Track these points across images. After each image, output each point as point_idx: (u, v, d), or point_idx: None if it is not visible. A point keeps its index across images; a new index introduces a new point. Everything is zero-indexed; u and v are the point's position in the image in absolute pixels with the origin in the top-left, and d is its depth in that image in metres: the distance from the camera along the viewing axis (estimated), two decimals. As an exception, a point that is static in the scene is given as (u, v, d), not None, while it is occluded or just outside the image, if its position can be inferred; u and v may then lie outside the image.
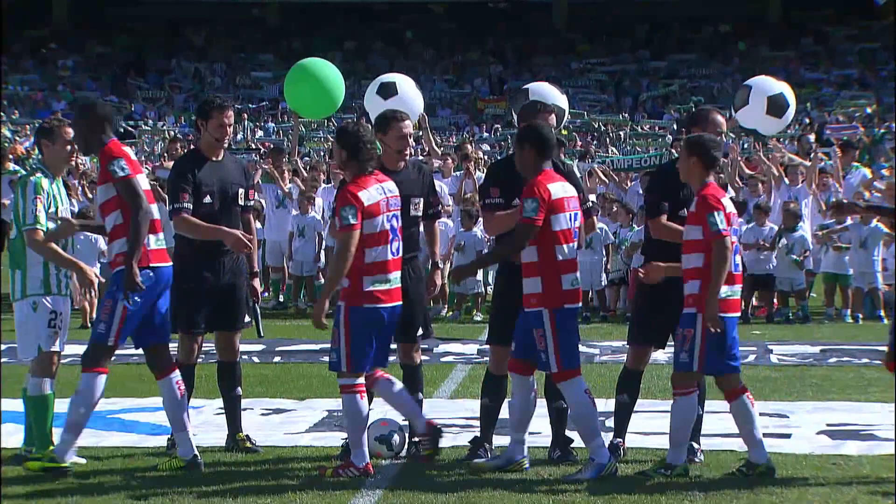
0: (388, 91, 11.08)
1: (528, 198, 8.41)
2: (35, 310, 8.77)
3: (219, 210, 9.21)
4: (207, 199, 9.18)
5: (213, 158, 9.32)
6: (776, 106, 10.85)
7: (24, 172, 21.26)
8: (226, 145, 9.43)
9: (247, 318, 9.60)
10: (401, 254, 8.69)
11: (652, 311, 8.95)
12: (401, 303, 8.66)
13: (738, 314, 8.56)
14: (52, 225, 8.78)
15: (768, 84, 11.09)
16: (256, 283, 9.70)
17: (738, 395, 8.57)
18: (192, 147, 9.74)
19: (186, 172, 9.23)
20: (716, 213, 8.29)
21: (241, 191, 9.40)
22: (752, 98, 10.86)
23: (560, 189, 8.53)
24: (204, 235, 9.16)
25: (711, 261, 8.28)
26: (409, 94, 11.28)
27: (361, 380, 8.53)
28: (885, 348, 14.18)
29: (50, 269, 8.81)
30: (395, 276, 8.59)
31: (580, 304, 8.70)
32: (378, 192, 8.52)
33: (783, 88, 11.00)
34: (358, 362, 8.50)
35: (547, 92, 10.20)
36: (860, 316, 17.88)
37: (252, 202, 9.71)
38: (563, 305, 8.48)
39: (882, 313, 17.86)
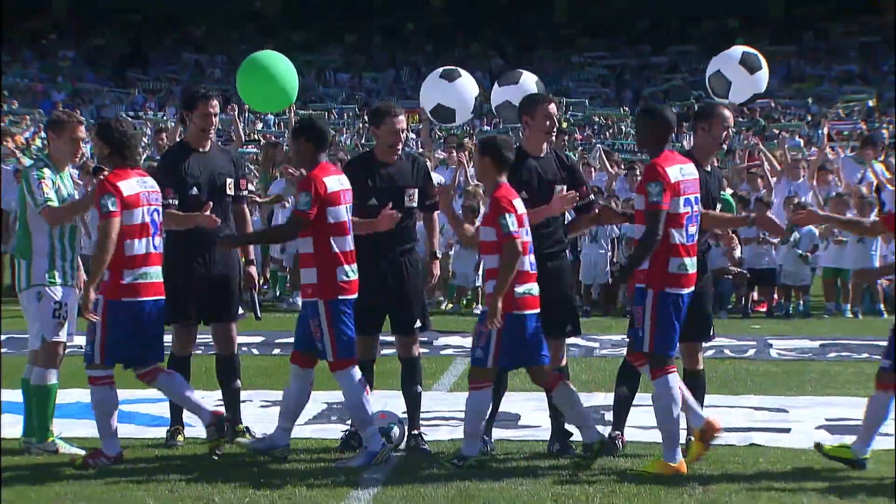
0: (451, 75, 10.89)
1: (302, 191, 8.56)
2: (40, 300, 8.79)
3: (206, 201, 9.16)
4: (194, 191, 9.16)
5: (200, 149, 9.29)
6: (750, 62, 10.95)
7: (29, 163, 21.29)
8: (212, 136, 9.40)
9: (241, 311, 9.61)
10: (162, 249, 8.70)
11: None
12: (164, 297, 8.64)
13: (537, 310, 8.57)
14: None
15: (727, 55, 11.24)
16: (252, 270, 9.68)
17: (557, 383, 8.66)
18: (180, 140, 9.68)
19: (170, 166, 9.24)
20: (507, 216, 8.38)
21: (229, 181, 9.36)
22: (727, 73, 10.92)
23: (336, 182, 8.62)
24: (183, 225, 9.13)
25: (501, 261, 8.38)
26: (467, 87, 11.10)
27: (111, 371, 8.57)
28: (885, 343, 14.24)
29: (55, 259, 8.83)
30: (157, 270, 8.63)
31: (356, 295, 8.68)
32: (139, 184, 8.57)
33: (743, 48, 11.21)
34: (112, 356, 8.53)
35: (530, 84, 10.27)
36: (859, 311, 17.88)
37: (245, 192, 9.66)
38: (338, 297, 8.54)
39: (882, 307, 17.86)
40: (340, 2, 52.47)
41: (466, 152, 19.55)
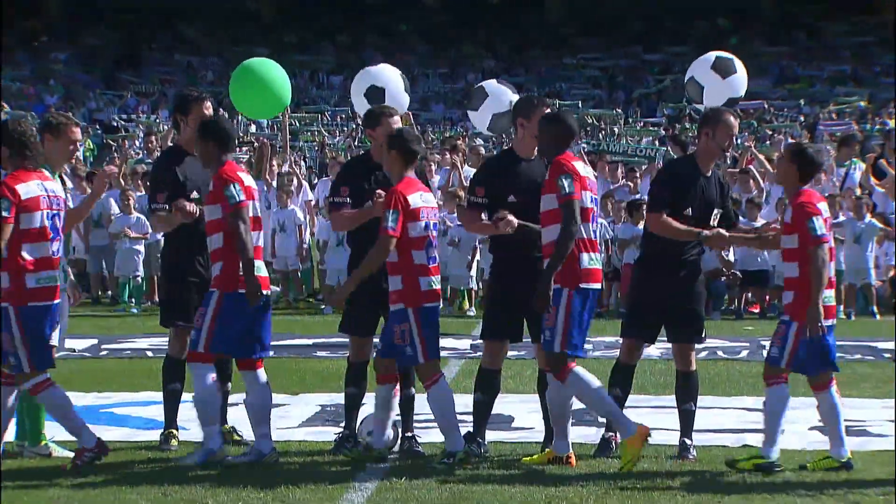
0: (376, 98, 11.03)
1: (388, 209, 8.56)
2: None
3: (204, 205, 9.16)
4: (195, 195, 9.14)
5: (195, 153, 9.28)
6: (724, 66, 11.01)
7: None
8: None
9: None
10: (62, 254, 8.66)
11: (645, 306, 8.95)
12: (59, 301, 8.60)
13: (437, 303, 8.75)
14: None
15: (701, 60, 11.31)
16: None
17: (435, 384, 8.72)
18: (172, 144, 9.64)
19: (165, 172, 9.21)
20: (389, 213, 8.45)
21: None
22: (700, 79, 10.99)
23: (248, 178, 8.66)
24: (172, 224, 9.13)
25: (372, 252, 8.53)
26: (397, 92, 11.25)
27: (47, 374, 8.54)
28: (878, 345, 14.26)
29: None
30: (57, 274, 8.56)
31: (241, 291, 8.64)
32: (38, 188, 8.47)
33: (718, 53, 11.24)
34: (41, 360, 8.46)
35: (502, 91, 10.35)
36: (853, 312, 17.90)
37: None
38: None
39: (875, 309, 17.88)
40: (334, 2, 52.46)
41: (460, 154, 19.56)
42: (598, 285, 8.61)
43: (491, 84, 10.69)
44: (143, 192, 18.08)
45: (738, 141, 31.78)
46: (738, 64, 11.26)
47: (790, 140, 32.82)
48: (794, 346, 8.50)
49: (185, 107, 9.28)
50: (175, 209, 8.95)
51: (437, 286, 8.74)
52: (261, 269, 8.70)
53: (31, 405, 8.86)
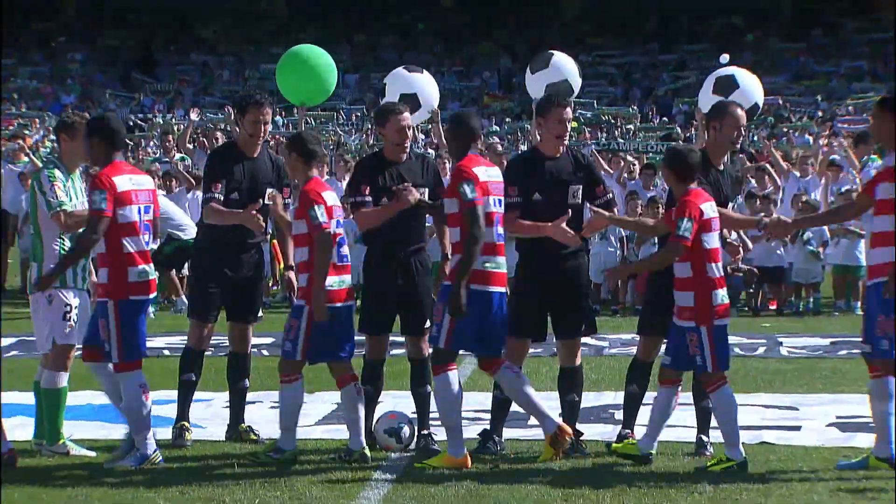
0: (411, 103, 11.04)
1: (95, 189, 8.49)
2: (50, 303, 8.80)
3: (243, 206, 9.24)
4: (235, 196, 9.26)
5: (250, 155, 9.36)
6: (722, 87, 10.99)
7: (39, 165, 21.31)
8: (261, 142, 9.43)
9: (260, 314, 9.71)
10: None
11: (662, 302, 8.93)
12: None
13: (349, 302, 8.74)
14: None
15: (704, 90, 11.30)
16: (291, 275, 9.75)
17: (347, 383, 8.75)
18: (229, 141, 9.85)
19: (217, 165, 9.35)
20: (316, 207, 8.50)
21: (269, 190, 9.44)
22: (705, 107, 11.00)
23: (128, 182, 8.57)
24: (227, 221, 9.24)
25: (315, 254, 8.49)
26: (428, 92, 11.28)
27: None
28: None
29: None
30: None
31: (150, 296, 8.68)
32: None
33: (718, 73, 11.20)
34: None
35: (567, 69, 10.34)
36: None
37: (288, 200, 9.82)
38: (129, 297, 8.53)
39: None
40: (349, 2, 52.49)
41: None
42: (497, 288, 8.56)
43: (559, 56, 10.65)
44: (163, 192, 18.13)
45: (755, 138, 31.75)
46: (741, 76, 11.18)
47: (807, 136, 32.78)
48: (711, 346, 8.47)
49: (243, 108, 9.41)
50: (249, 214, 9.05)
51: (348, 285, 8.72)
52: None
53: (50, 404, 8.88)
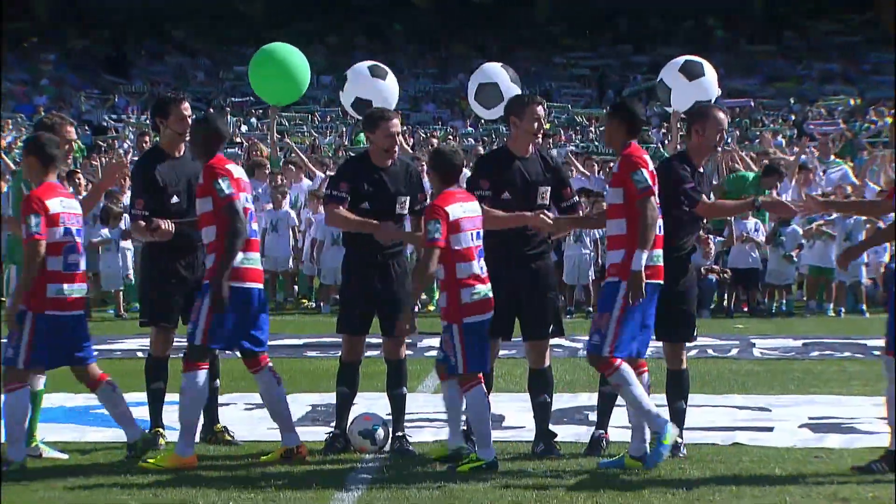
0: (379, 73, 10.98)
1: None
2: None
3: (187, 208, 9.19)
4: (175, 199, 9.17)
5: (175, 155, 9.29)
6: (691, 69, 11.03)
7: (12, 166, 21.22)
8: (186, 139, 9.36)
9: None
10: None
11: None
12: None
13: (80, 311, 8.74)
14: None
15: (671, 63, 11.34)
16: None
17: (99, 384, 8.79)
18: (152, 146, 9.69)
19: (144, 176, 9.21)
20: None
21: None
22: (668, 81, 11.03)
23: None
24: (144, 237, 9.23)
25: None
26: (385, 100, 11.27)
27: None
28: (867, 342, 14.32)
29: None
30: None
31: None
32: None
33: (688, 57, 11.25)
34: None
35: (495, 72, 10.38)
36: (843, 310, 17.94)
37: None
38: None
39: (864, 307, 17.92)
40: (323, 3, 52.42)
41: None
42: (252, 284, 8.65)
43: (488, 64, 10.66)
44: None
45: (728, 140, 31.80)
46: (708, 68, 11.29)
47: (780, 139, 32.91)
48: (462, 346, 8.54)
49: (165, 108, 9.30)
50: (150, 231, 8.99)
51: (77, 294, 8.68)
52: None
53: None
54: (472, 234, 8.55)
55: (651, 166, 8.48)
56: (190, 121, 9.29)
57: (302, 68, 10.81)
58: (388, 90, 11.39)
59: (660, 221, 8.45)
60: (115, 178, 9.00)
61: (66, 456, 8.89)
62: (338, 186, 9.11)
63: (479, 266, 8.55)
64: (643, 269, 8.30)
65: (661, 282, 8.50)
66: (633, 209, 8.35)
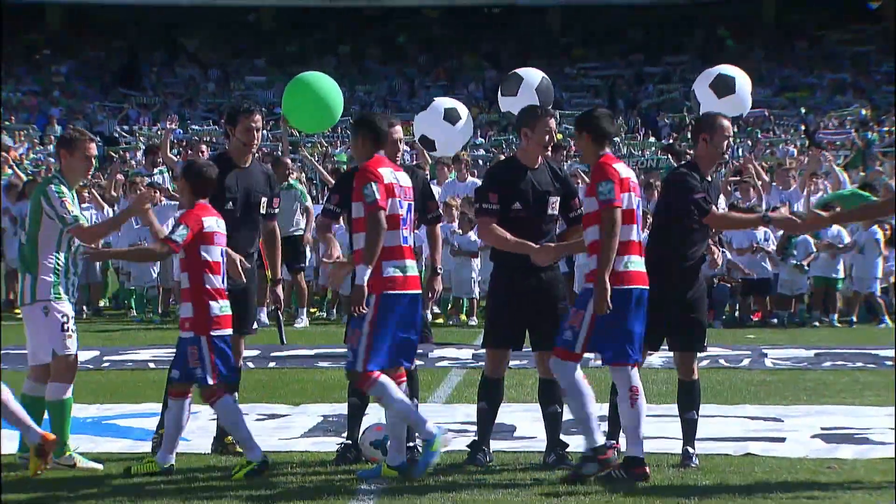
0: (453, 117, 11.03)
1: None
2: (47, 314, 8.79)
3: (240, 217, 9.31)
4: (230, 206, 9.27)
5: (241, 165, 9.41)
6: (723, 85, 10.98)
7: (23, 177, 21.28)
8: (254, 151, 9.51)
9: (255, 326, 9.68)
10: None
11: (651, 316, 8.96)
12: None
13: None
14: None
15: (706, 73, 11.30)
16: (279, 290, 9.74)
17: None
18: (221, 152, 9.83)
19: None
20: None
21: (264, 199, 9.50)
22: (698, 94, 11.00)
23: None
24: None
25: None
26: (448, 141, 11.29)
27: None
28: (880, 352, 14.30)
29: (62, 275, 8.85)
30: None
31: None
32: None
33: (723, 69, 11.18)
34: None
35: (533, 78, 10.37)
36: (854, 320, 17.93)
37: (276, 210, 9.77)
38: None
39: (886, 318, 17.91)
40: (334, 14, 52.51)
41: (463, 165, 19.63)
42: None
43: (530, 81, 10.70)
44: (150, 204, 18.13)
45: (740, 150, 31.81)
46: (741, 82, 11.17)
47: (791, 148, 32.87)
48: (211, 357, 8.57)
49: (235, 118, 9.45)
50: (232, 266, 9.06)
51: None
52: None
53: (55, 417, 8.88)
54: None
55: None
56: (257, 133, 9.43)
57: (337, 98, 10.81)
58: (455, 135, 11.35)
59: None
60: (143, 209, 9.04)
61: (100, 466, 8.88)
62: (329, 199, 9.34)
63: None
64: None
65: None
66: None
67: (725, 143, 9.01)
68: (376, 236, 8.37)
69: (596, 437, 8.51)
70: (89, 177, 9.07)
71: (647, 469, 8.47)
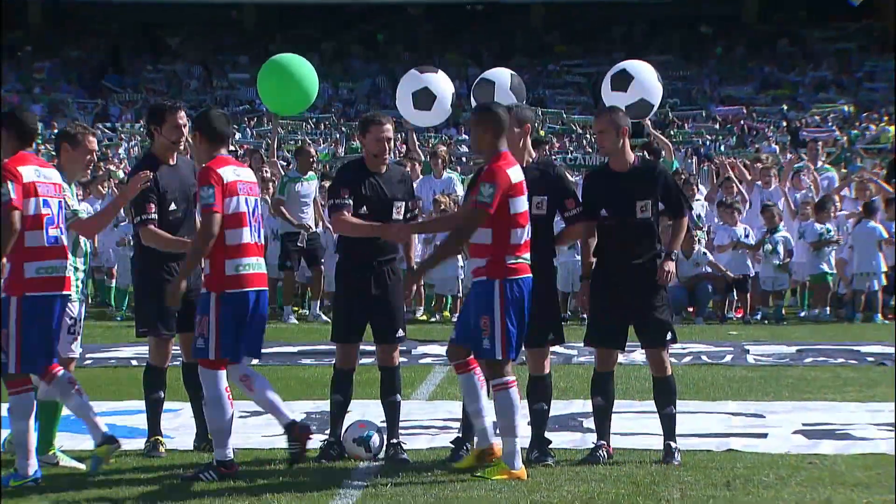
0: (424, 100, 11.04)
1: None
2: None
3: (182, 216, 9.23)
4: (173, 207, 9.18)
5: (170, 163, 9.30)
6: (618, 83, 11.04)
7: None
8: (181, 148, 9.40)
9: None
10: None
11: (607, 314, 8.99)
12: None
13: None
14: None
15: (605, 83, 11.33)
16: None
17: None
18: (145, 153, 9.67)
19: (150, 181, 9.15)
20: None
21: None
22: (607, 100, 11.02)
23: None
24: (170, 248, 9.13)
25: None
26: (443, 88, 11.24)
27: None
28: (861, 348, 14.35)
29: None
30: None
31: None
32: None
33: (610, 72, 11.27)
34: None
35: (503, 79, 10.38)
36: (859, 316, 18.00)
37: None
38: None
39: (878, 315, 17.97)
40: (317, 11, 52.44)
41: (440, 160, 19.60)
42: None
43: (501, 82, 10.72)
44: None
45: (722, 148, 31.86)
46: (640, 70, 11.22)
47: (773, 146, 32.95)
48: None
49: (160, 117, 9.29)
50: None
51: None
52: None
53: (47, 415, 8.86)
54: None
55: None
56: (185, 130, 9.31)
57: (311, 78, 10.77)
58: (441, 79, 11.39)
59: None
60: (137, 190, 8.97)
61: (83, 466, 8.86)
62: (338, 194, 9.14)
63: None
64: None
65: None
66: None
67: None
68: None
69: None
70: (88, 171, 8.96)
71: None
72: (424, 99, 11.08)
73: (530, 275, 8.53)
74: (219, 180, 8.42)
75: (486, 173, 8.44)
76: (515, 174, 8.49)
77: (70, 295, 8.58)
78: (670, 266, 8.99)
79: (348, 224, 9.07)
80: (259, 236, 8.65)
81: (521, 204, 8.49)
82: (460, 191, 18.26)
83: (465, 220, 8.50)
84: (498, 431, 8.52)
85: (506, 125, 8.56)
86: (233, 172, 8.57)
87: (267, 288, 8.71)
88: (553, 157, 25.79)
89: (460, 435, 9.12)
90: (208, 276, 8.53)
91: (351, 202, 9.05)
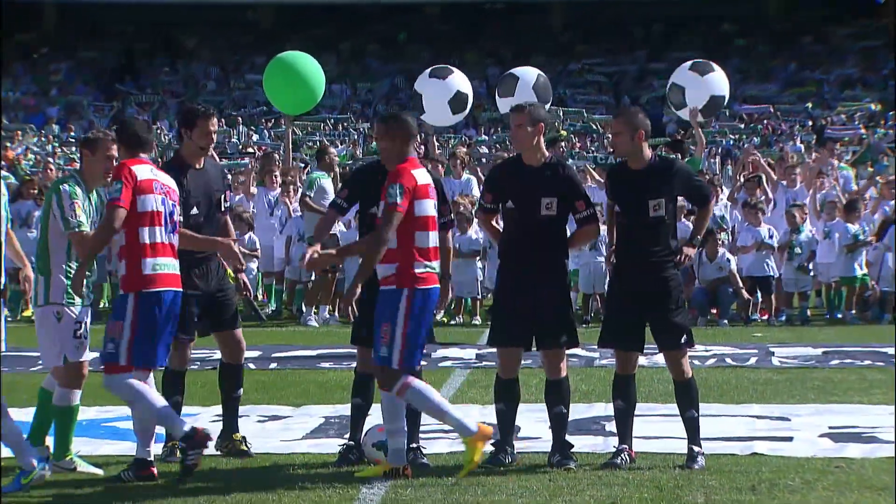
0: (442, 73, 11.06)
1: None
2: (59, 319, 8.68)
3: (204, 219, 9.21)
4: (195, 210, 9.15)
5: (196, 167, 9.26)
6: (701, 66, 11.06)
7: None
8: (209, 153, 9.38)
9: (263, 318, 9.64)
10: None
11: (621, 315, 8.88)
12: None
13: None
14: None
15: (680, 68, 11.34)
16: (243, 276, 9.64)
17: None
18: (174, 155, 9.62)
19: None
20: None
21: (221, 196, 9.43)
22: (679, 81, 11.07)
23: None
24: (199, 247, 9.12)
25: None
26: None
27: None
28: (888, 350, 14.21)
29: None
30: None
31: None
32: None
33: (693, 60, 11.30)
34: None
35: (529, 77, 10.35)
36: (888, 316, 17.90)
37: (228, 204, 9.72)
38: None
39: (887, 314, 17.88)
40: (335, 11, 52.44)
41: (459, 161, 19.55)
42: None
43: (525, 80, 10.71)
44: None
45: (744, 146, 31.68)
46: (717, 67, 11.30)
47: (798, 145, 32.77)
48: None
49: (192, 121, 9.25)
50: (228, 249, 9.10)
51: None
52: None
53: (62, 421, 8.80)
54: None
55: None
56: (215, 137, 9.33)
57: (316, 76, 10.69)
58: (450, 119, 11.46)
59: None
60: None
61: (100, 471, 8.80)
62: (338, 192, 9.24)
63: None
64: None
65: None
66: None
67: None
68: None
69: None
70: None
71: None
72: (458, 105, 11.04)
73: (438, 285, 8.56)
74: (130, 177, 8.44)
75: (391, 175, 8.44)
76: (421, 176, 8.50)
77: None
78: (689, 251, 8.93)
79: (326, 224, 9.24)
80: (174, 238, 8.63)
81: (428, 207, 8.50)
82: (478, 193, 18.20)
83: (380, 225, 8.42)
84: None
85: (414, 132, 8.61)
86: (149, 171, 8.59)
87: (181, 289, 8.66)
88: (579, 159, 25.70)
89: (499, 438, 9.00)
90: (125, 277, 8.50)
91: (346, 205, 9.15)
